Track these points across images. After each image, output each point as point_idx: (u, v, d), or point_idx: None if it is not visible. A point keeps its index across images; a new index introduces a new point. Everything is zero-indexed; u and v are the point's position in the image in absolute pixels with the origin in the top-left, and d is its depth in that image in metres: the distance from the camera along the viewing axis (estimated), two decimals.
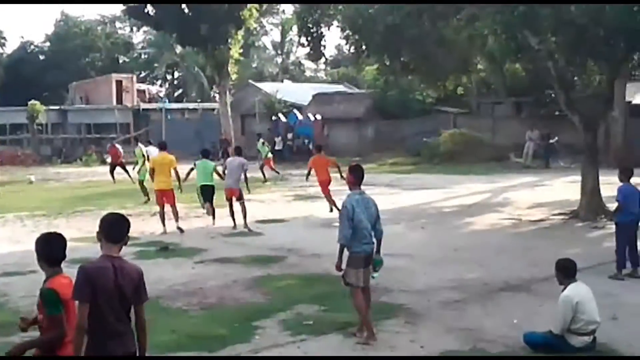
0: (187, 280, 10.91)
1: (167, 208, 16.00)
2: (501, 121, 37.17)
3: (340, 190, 16.39)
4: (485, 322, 8.57)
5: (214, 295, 10.10)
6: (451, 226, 16.36)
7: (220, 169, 17.22)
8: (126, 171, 27.47)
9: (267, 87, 48.50)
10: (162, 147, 17.05)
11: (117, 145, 30.45)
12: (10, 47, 66.56)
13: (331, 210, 17.45)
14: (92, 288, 4.69)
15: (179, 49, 60.70)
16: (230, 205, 16.33)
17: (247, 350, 7.71)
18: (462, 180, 26.07)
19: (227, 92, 40.86)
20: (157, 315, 8.10)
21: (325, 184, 17.89)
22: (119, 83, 53.42)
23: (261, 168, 29.16)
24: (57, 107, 50.88)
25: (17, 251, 13.47)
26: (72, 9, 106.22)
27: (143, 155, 22.98)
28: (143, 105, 51.73)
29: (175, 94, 70.10)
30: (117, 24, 74.11)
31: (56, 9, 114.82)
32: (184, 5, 36.38)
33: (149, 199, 20.32)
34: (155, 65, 70.63)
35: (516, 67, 33.23)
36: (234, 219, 16.28)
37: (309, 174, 18.43)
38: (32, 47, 70.39)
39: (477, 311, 9.09)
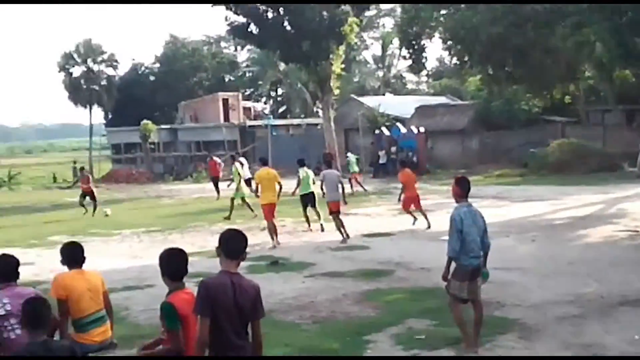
0: (297, 294, 11.09)
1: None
2: (611, 129, 35.93)
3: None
4: (604, 338, 8.32)
5: (324, 309, 10.23)
6: (563, 239, 15.90)
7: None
8: (217, 187, 28.33)
9: (369, 101, 48.63)
10: (264, 162, 17.75)
11: (216, 159, 31.23)
12: (123, 70, 69.41)
13: (429, 225, 17.75)
14: (212, 303, 4.80)
15: (282, 66, 61.88)
16: (339, 218, 16.62)
17: None
18: (573, 191, 25.24)
19: (330, 107, 41.23)
20: (270, 329, 8.25)
21: (414, 199, 18.29)
22: (225, 101, 54.80)
23: (349, 180, 28.92)
24: (167, 126, 52.76)
25: (135, 266, 14.04)
26: (180, 31, 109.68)
27: (239, 174, 22.93)
28: (249, 122, 52.84)
29: (280, 110, 71.31)
30: (222, 44, 76.19)
31: (165, 32, 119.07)
32: (286, 23, 37.03)
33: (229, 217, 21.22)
34: (260, 82, 72.21)
35: (626, 74, 32.11)
36: (341, 232, 16.51)
37: (402, 192, 18.60)
38: (143, 68, 73.25)
39: (595, 326, 8.82)
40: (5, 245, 18.19)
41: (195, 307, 4.88)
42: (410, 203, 18.42)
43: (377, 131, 41.53)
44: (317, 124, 49.63)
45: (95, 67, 65.26)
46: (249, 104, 61.46)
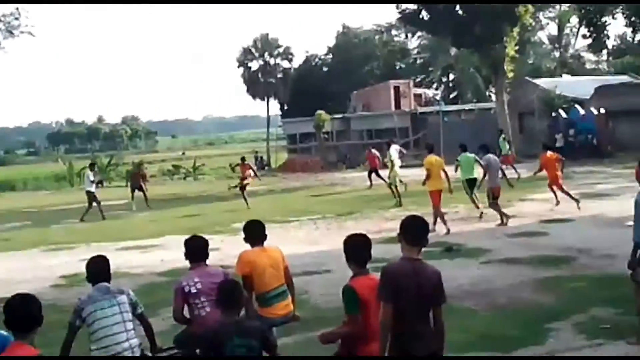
0: (473, 281, 10.98)
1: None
2: None
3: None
4: None
5: (502, 295, 10.06)
6: None
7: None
8: (379, 176, 28.38)
9: (545, 82, 46.87)
10: (431, 149, 17.60)
11: (374, 151, 31.40)
12: (297, 62, 71.30)
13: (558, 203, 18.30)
14: (394, 289, 4.83)
15: (453, 51, 60.99)
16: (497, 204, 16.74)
17: (542, 353, 7.58)
18: None
19: (504, 91, 40.22)
20: (447, 315, 8.23)
21: (555, 180, 18.67)
22: (396, 89, 54.85)
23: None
24: (340, 116, 53.65)
25: (313, 252, 14.47)
26: (351, 21, 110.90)
27: (391, 160, 23.03)
28: (420, 109, 52.63)
29: (451, 96, 70.39)
30: (393, 32, 76.26)
31: (338, 23, 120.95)
32: (457, 8, 36.49)
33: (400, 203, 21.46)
34: (431, 69, 71.64)
35: None
36: (502, 216, 16.51)
37: (539, 171, 19.47)
38: (316, 60, 74.87)
39: None
40: (192, 231, 19.36)
41: (379, 293, 4.92)
42: (554, 184, 18.80)
43: (553, 114, 40.01)
44: (490, 109, 48.58)
45: (272, 61, 67.51)
46: (419, 90, 61.17)
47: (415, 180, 24.59)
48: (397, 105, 53.80)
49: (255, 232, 6.82)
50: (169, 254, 15.34)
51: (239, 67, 67.53)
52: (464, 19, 36.59)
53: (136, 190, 28.24)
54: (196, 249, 6.61)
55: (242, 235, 6.94)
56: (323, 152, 50.12)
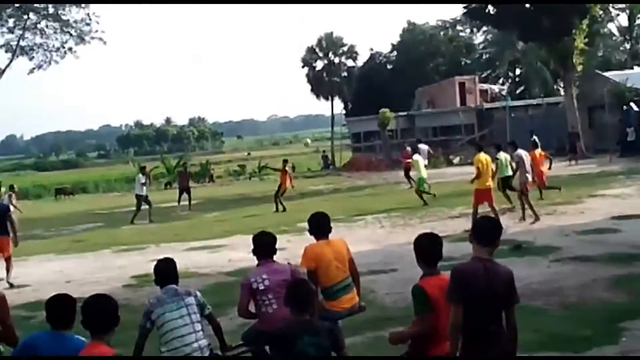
0: (543, 279, 10.77)
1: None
2: None
3: None
4: None
5: (573, 294, 9.84)
6: None
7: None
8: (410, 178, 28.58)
9: (615, 75, 45.61)
10: (480, 148, 17.48)
11: (409, 149, 31.33)
12: (361, 60, 71.14)
13: None
14: (464, 290, 4.76)
15: (520, 45, 59.96)
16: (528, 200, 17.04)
17: (616, 353, 7.38)
18: None
19: (572, 84, 39.35)
20: (517, 314, 8.12)
21: (540, 176, 18.79)
22: (462, 85, 54.28)
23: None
24: (405, 113, 53.36)
25: (378, 250, 14.44)
26: (417, 17, 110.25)
27: (417, 163, 23.37)
28: (486, 105, 51.91)
29: (518, 91, 69.19)
30: (458, 27, 75.43)
31: (402, 19, 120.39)
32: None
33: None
34: (497, 63, 70.56)
35: None
36: (533, 212, 16.73)
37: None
38: (381, 57, 74.58)
39: None
40: (258, 231, 19.58)
41: (448, 294, 4.86)
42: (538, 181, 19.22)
43: (624, 107, 38.94)
44: (558, 103, 47.60)
45: (336, 60, 67.54)
46: (485, 86, 60.35)
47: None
48: (463, 101, 53.25)
49: (319, 225, 6.83)
50: (236, 254, 15.52)
51: (303, 66, 67.81)
52: (531, 12, 35.95)
53: (184, 193, 28.82)
54: (264, 245, 6.66)
55: (307, 231, 6.96)
56: (387, 150, 49.92)
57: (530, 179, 17.46)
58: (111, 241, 20.32)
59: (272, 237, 6.76)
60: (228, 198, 31.03)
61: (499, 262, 5.10)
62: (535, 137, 24.43)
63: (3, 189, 34.26)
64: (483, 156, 16.68)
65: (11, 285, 13.81)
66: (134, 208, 25.70)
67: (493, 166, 17.03)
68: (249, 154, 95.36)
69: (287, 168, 26.20)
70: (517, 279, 9.82)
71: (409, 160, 28.84)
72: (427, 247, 5.32)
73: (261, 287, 6.36)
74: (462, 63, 72.14)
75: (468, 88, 54.11)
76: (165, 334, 5.96)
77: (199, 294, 6.31)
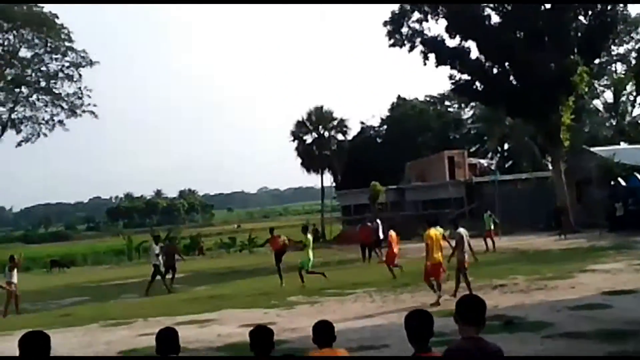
0: (536, 357, 10.66)
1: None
2: None
3: None
4: None
5: None
6: None
7: None
8: (376, 252, 28.98)
9: (602, 151, 46.28)
10: (432, 223, 18.35)
11: (369, 224, 31.87)
12: (351, 134, 71.86)
13: None
14: None
15: (508, 120, 60.84)
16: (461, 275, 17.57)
17: None
18: None
19: (560, 160, 39.81)
20: None
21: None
22: (451, 159, 54.82)
23: (484, 238, 30.53)
24: (395, 187, 53.66)
25: (369, 325, 14.27)
26: (405, 92, 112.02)
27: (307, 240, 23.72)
28: (475, 179, 52.35)
29: (507, 165, 69.90)
30: (447, 102, 76.69)
31: (392, 94, 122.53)
32: (511, 78, 36.61)
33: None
34: (485, 138, 71.45)
35: None
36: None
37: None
38: (371, 131, 75.44)
39: None
40: (248, 305, 19.41)
41: None
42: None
43: (612, 182, 39.35)
44: (547, 177, 48.03)
45: (326, 133, 68.14)
46: (474, 160, 60.98)
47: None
48: (452, 175, 53.68)
49: (323, 333, 6.71)
50: (226, 329, 15.36)
51: (293, 140, 68.34)
52: (518, 89, 36.64)
53: (170, 271, 26.29)
54: (261, 339, 6.54)
55: (312, 334, 6.81)
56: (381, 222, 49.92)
57: (467, 257, 17.77)
58: (99, 315, 20.04)
59: (270, 330, 6.62)
60: (218, 271, 30.83)
61: (490, 338, 5.05)
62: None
63: None
64: (432, 231, 17.65)
65: None
66: (149, 278, 25.50)
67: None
68: (239, 226, 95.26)
69: (274, 233, 26.51)
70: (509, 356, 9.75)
71: (368, 235, 29.70)
72: (417, 326, 5.26)
73: None
74: (451, 137, 73.04)
75: (457, 162, 54.64)
76: None
77: None
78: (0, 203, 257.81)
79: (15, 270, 23.63)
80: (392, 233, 24.68)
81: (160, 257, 25.47)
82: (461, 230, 18.48)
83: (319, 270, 24.24)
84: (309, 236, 24.22)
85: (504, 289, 18.03)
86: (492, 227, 31.59)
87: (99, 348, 14.48)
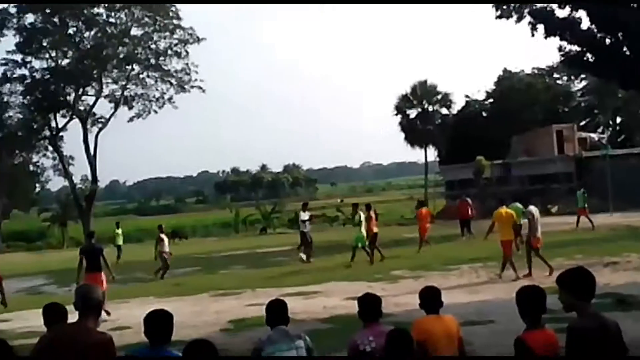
0: None
1: None
2: None
3: None
4: None
5: None
6: None
7: None
8: (468, 228, 28.38)
9: None
10: (501, 202, 20.07)
11: (468, 199, 31.00)
12: (455, 108, 70.83)
13: None
14: (583, 349, 4.54)
15: (621, 93, 58.49)
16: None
17: None
18: None
19: None
20: None
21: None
22: (559, 133, 53.24)
23: (578, 216, 30.03)
24: (500, 162, 52.65)
25: (474, 301, 14.22)
26: (512, 64, 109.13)
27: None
28: (585, 154, 50.68)
29: (619, 140, 67.28)
30: (555, 75, 74.27)
31: (498, 67, 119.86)
32: (625, 49, 35.08)
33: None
34: (596, 111, 68.93)
35: None
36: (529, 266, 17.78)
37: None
38: (476, 105, 74.05)
39: None
40: (351, 278, 19.62)
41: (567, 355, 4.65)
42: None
43: None
44: None
45: (430, 108, 67.50)
46: (584, 134, 58.99)
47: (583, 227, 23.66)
48: (560, 150, 52.14)
49: (431, 299, 6.73)
50: (331, 301, 15.63)
51: (396, 114, 67.98)
52: (632, 60, 35.07)
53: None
54: (370, 307, 6.65)
55: (419, 304, 6.86)
56: (482, 198, 49.22)
57: (538, 235, 18.15)
58: (209, 285, 20.75)
59: (378, 299, 6.72)
60: (322, 245, 31.14)
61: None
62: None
63: (119, 230, 35.56)
64: (503, 210, 18.80)
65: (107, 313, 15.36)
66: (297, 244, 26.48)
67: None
68: (342, 200, 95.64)
69: (372, 213, 26.04)
70: (625, 335, 9.42)
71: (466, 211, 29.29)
72: (531, 300, 5.19)
73: (368, 349, 6.33)
74: (560, 111, 70.67)
75: (566, 136, 53.00)
76: None
77: (307, 338, 6.43)
78: (115, 177, 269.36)
79: (166, 239, 24.50)
80: (423, 209, 25.14)
81: (307, 224, 25.95)
82: (532, 208, 18.80)
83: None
84: (362, 214, 24.17)
85: (616, 267, 17.52)
86: (586, 205, 30.46)
87: (209, 317, 15.00)
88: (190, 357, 4.89)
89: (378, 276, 19.61)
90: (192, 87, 65.81)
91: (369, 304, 6.61)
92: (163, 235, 24.48)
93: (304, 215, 26.18)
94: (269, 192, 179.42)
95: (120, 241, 34.53)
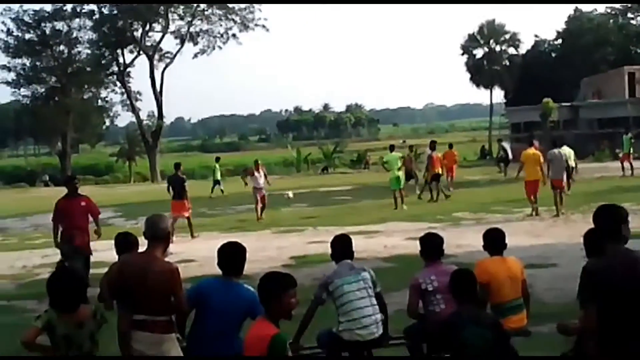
0: None
1: None
2: None
3: None
4: None
5: None
6: None
7: None
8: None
9: None
10: (530, 143, 19.92)
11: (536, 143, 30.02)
12: (524, 48, 69.14)
13: None
14: (597, 289, 4.39)
15: None
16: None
17: None
18: None
19: None
20: None
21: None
22: (631, 75, 51.59)
23: (621, 162, 29.13)
24: (568, 104, 51.44)
25: (537, 245, 14.09)
26: (585, 5, 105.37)
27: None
28: None
29: None
30: (629, 15, 71.52)
31: (570, 6, 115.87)
32: None
33: None
34: None
35: None
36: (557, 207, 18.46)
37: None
38: (545, 45, 72.12)
39: None
40: (413, 219, 19.64)
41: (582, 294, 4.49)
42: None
43: None
44: None
45: (497, 48, 66.04)
46: None
47: None
48: (632, 92, 50.60)
49: (494, 241, 6.71)
50: (391, 240, 15.71)
51: (462, 54, 66.80)
52: None
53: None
54: (432, 247, 6.69)
55: (482, 246, 6.84)
56: (548, 142, 48.28)
57: (562, 176, 19.36)
58: (271, 222, 21.07)
59: (440, 238, 6.75)
60: (383, 185, 31.09)
61: None
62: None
63: (218, 165, 36.08)
64: (531, 151, 19.19)
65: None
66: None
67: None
68: (404, 141, 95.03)
69: (436, 154, 25.27)
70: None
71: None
72: (592, 241, 5.19)
73: (430, 288, 6.39)
74: (633, 52, 68.31)
75: (638, 78, 51.33)
76: (344, 305, 6.22)
77: (371, 271, 6.53)
78: (180, 114, 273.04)
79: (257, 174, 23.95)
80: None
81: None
82: (555, 150, 19.44)
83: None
84: (393, 154, 24.20)
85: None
86: (632, 150, 29.25)
87: (272, 253, 15.25)
88: (261, 289, 4.84)
89: (440, 217, 19.58)
90: (256, 25, 65.73)
91: (431, 243, 6.65)
92: (256, 172, 23.29)
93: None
94: (331, 132, 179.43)
95: (218, 175, 35.17)
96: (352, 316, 6.20)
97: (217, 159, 37.24)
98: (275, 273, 4.95)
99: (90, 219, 11.99)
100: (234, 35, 66.22)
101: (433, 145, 25.80)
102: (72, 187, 11.91)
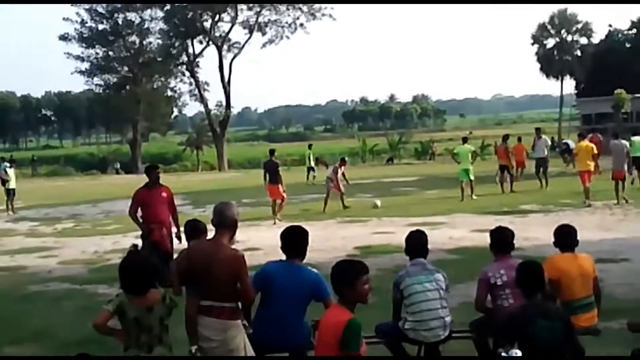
0: None
1: None
2: None
3: None
4: None
5: None
6: None
7: None
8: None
9: None
10: (583, 136, 21.83)
11: (599, 135, 28.95)
12: (597, 37, 67.39)
13: None
14: None
15: None
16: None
17: None
18: None
19: None
20: None
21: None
22: None
23: None
24: None
25: (607, 239, 13.77)
26: None
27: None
28: None
29: None
30: None
31: None
32: None
33: None
34: None
35: None
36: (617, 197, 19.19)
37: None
38: (618, 35, 70.15)
39: None
40: (479, 210, 19.41)
41: None
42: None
43: None
44: None
45: (569, 38, 64.58)
46: None
47: None
48: None
49: (566, 238, 6.59)
50: (456, 232, 15.57)
51: (533, 44, 65.53)
52: None
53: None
54: (503, 241, 6.61)
55: (553, 243, 6.73)
56: (621, 133, 47.03)
57: (623, 167, 19.71)
58: (336, 212, 21.11)
59: (510, 232, 6.67)
60: (449, 176, 30.83)
61: None
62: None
63: (310, 152, 36.32)
64: (584, 143, 20.29)
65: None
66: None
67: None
68: (470, 132, 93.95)
69: (503, 146, 25.72)
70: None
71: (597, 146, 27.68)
72: None
73: (499, 283, 6.32)
74: None
75: None
76: (414, 305, 6.22)
77: (445, 274, 6.52)
78: (247, 104, 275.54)
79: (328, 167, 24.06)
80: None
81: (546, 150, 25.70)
82: (615, 142, 20.36)
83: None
84: (465, 146, 24.18)
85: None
86: None
87: (336, 242, 15.28)
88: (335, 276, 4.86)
89: (506, 209, 19.32)
90: (323, 15, 65.77)
91: (502, 237, 6.58)
92: (340, 169, 23.13)
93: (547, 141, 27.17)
94: (396, 122, 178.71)
95: (311, 162, 35.49)
96: (420, 317, 6.18)
97: (310, 146, 37.42)
98: (347, 261, 5.06)
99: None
100: (301, 24, 66.49)
101: (505, 138, 26.41)
102: (155, 176, 11.17)
